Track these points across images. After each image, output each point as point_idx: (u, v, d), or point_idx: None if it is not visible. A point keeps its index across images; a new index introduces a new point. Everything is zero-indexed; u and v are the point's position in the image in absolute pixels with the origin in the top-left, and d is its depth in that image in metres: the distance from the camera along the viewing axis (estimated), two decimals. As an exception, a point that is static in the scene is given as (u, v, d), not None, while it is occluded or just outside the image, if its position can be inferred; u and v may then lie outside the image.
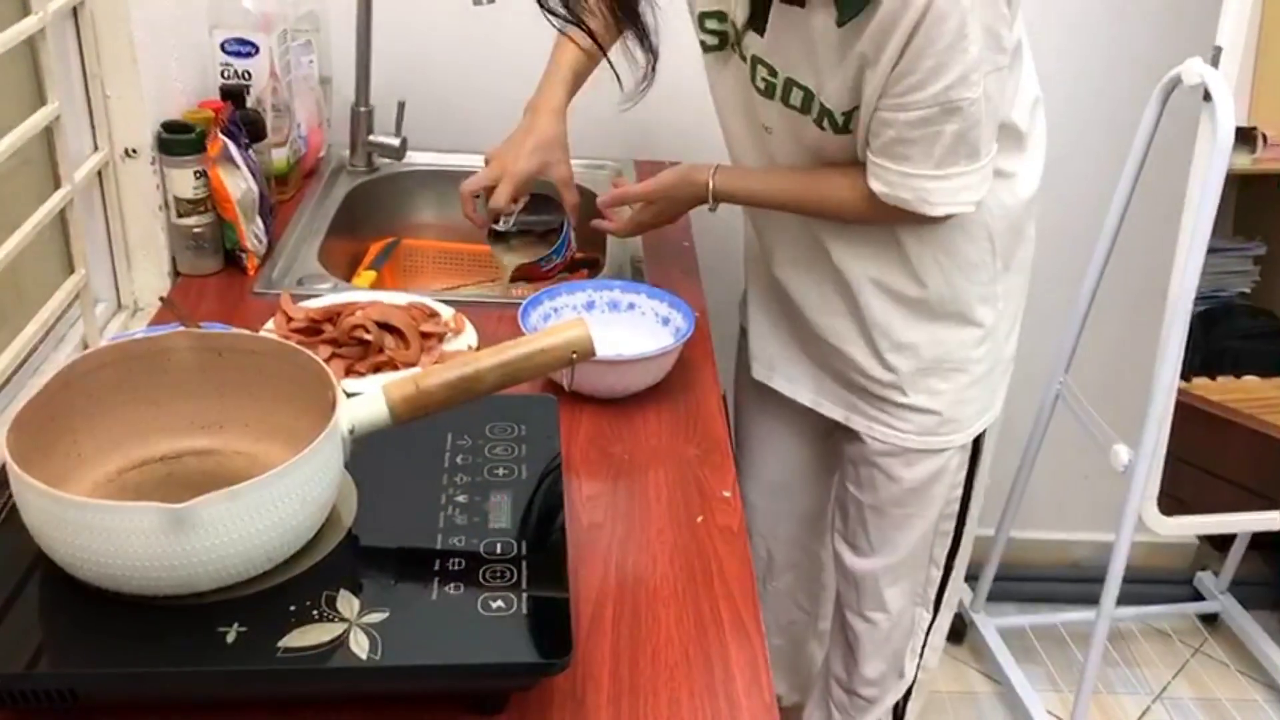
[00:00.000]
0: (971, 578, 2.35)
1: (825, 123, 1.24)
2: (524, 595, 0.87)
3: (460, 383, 0.92)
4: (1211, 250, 2.09)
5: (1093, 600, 1.94)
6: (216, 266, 1.48)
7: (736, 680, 0.92)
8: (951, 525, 1.53)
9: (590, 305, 1.37)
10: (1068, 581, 2.46)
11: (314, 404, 0.94)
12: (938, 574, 1.56)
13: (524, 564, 0.90)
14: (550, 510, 0.97)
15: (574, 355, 0.94)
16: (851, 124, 1.24)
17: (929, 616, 1.60)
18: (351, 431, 0.91)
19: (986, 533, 2.28)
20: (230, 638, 0.81)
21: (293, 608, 0.84)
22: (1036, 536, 2.47)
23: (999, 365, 1.47)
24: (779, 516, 1.72)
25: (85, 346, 1.34)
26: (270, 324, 1.31)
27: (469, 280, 1.82)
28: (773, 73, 1.25)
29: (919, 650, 1.62)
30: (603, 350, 1.01)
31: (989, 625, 2.30)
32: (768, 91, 1.27)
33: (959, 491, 1.50)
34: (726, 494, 1.14)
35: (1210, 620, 2.44)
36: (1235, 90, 1.62)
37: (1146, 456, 1.80)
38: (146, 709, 0.84)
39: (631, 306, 1.37)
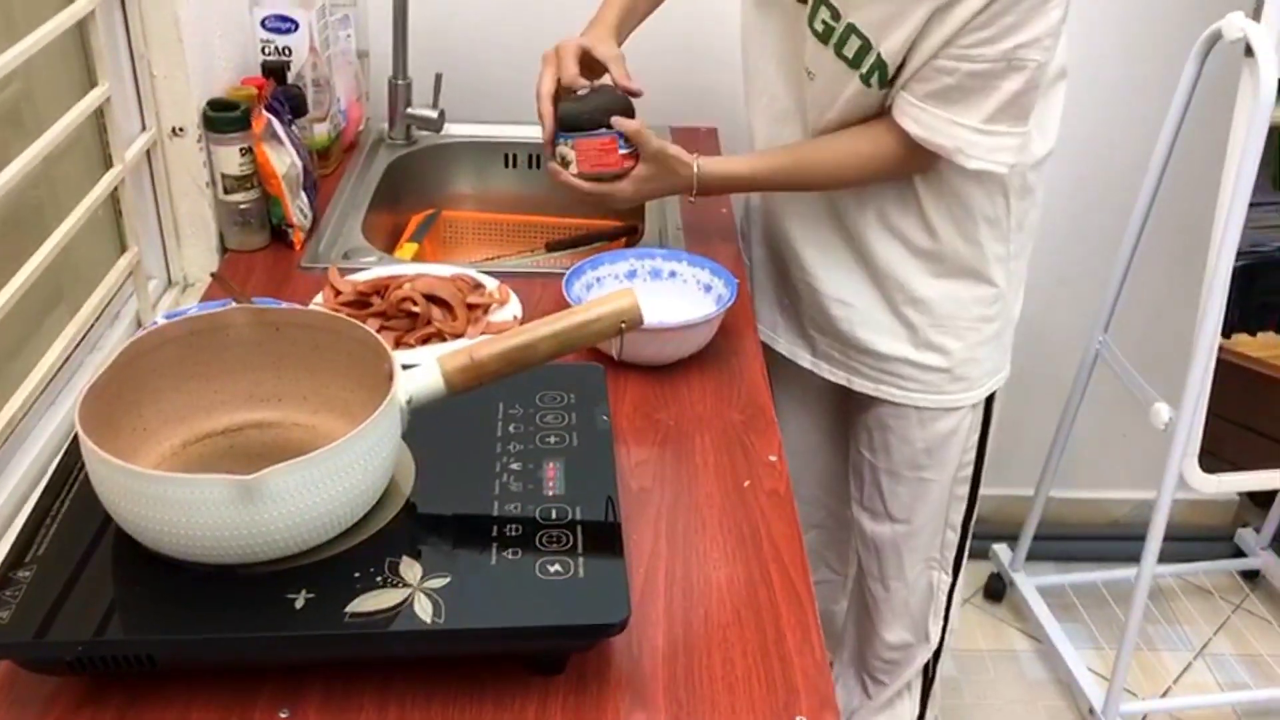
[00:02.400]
0: (1011, 537, 2.36)
1: (873, 79, 1.25)
2: (580, 559, 0.89)
3: (514, 353, 0.94)
4: (1251, 204, 2.08)
5: (1133, 558, 1.95)
6: (263, 242, 1.51)
7: (788, 639, 0.94)
8: (966, 489, 1.55)
9: (632, 274, 1.38)
10: (1107, 540, 2.47)
11: (369, 377, 0.96)
12: (954, 537, 1.58)
13: (579, 529, 0.92)
14: (602, 476, 0.99)
15: (623, 325, 0.96)
16: (891, 79, 1.24)
17: (948, 579, 1.62)
18: (409, 402, 0.93)
19: (1025, 492, 2.30)
20: (299, 604, 0.84)
21: (357, 574, 0.87)
22: (1075, 495, 2.48)
23: (1009, 326, 1.48)
24: (798, 478, 1.71)
25: (139, 323, 1.37)
26: (319, 298, 1.34)
27: (509, 251, 1.84)
28: (835, 16, 1.24)
29: (941, 613, 1.64)
30: (648, 318, 1.03)
31: (1029, 584, 2.31)
32: (824, 35, 1.26)
33: (972, 454, 1.52)
34: (773, 458, 1.16)
35: (1251, 577, 2.44)
36: (1278, 44, 1.60)
37: (1188, 414, 1.80)
38: (216, 673, 0.87)
39: (673, 274, 1.39)
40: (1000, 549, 2.38)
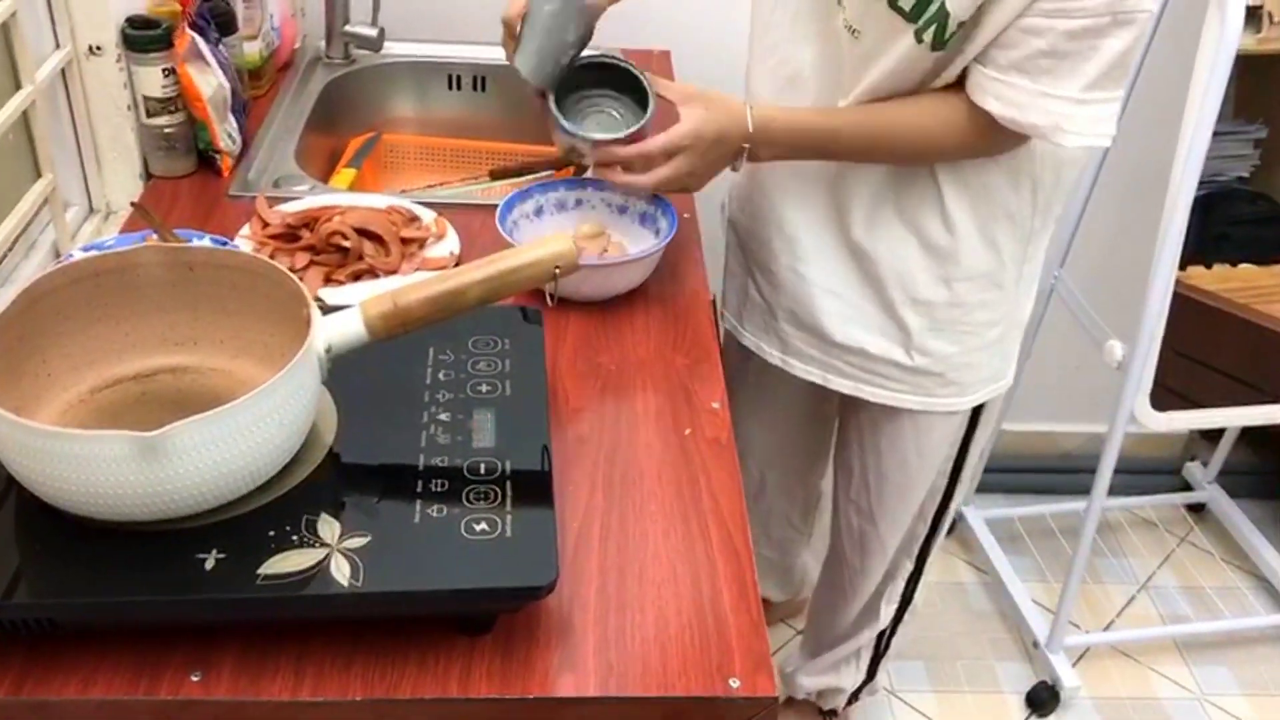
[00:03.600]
0: (959, 469, 2.36)
1: (927, 34, 1.06)
2: (508, 517, 0.85)
3: (441, 299, 0.90)
4: (1214, 134, 2.06)
5: (1083, 491, 1.95)
6: (190, 168, 1.44)
7: (724, 596, 0.92)
8: (944, 483, 1.47)
9: (564, 205, 1.32)
10: (1058, 472, 2.47)
11: (289, 320, 0.91)
12: (924, 529, 1.53)
13: (508, 484, 0.88)
14: (535, 428, 0.95)
15: (558, 270, 0.92)
16: (952, 41, 1.06)
17: (911, 566, 1.58)
18: (328, 350, 0.88)
19: (977, 425, 2.29)
20: (209, 565, 0.80)
21: (272, 533, 0.83)
22: (1028, 428, 2.47)
23: (1013, 329, 1.35)
24: (780, 448, 1.68)
25: (58, 253, 1.31)
26: (246, 229, 1.28)
27: (453, 178, 1.77)
28: None
29: (897, 597, 1.60)
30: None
31: (977, 517, 2.31)
32: None
33: (950, 464, 1.44)
34: (715, 405, 1.12)
35: (1197, 510, 2.46)
36: (1246, -27, 1.56)
37: (1142, 352, 1.78)
38: (124, 635, 0.83)
39: (612, 206, 1.33)
40: (951, 481, 2.38)
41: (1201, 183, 2.23)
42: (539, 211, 1.31)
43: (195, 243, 1.23)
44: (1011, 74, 1.06)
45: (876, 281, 1.27)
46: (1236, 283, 2.07)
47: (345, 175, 1.65)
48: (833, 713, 1.79)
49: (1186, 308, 1.97)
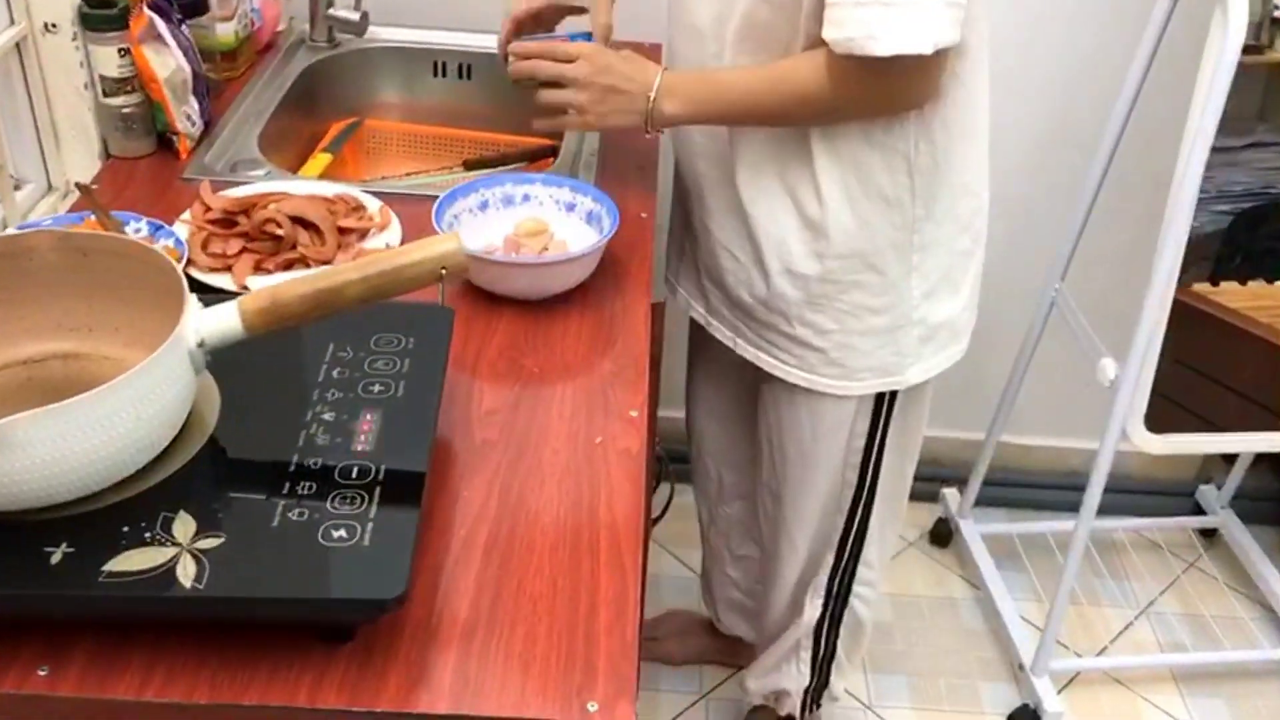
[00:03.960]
0: (960, 481, 2.30)
1: None
2: (369, 525, 0.83)
3: (318, 296, 0.87)
4: (1259, 145, 1.97)
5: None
6: (149, 149, 1.43)
7: (600, 616, 0.89)
8: (855, 477, 1.43)
9: (511, 200, 1.29)
10: (1064, 489, 2.39)
11: (178, 313, 0.89)
12: (840, 521, 1.48)
13: (377, 491, 0.86)
14: (419, 434, 0.92)
15: (444, 271, 0.89)
16: None
17: (832, 559, 1.52)
18: (201, 345, 0.87)
19: (976, 437, 2.23)
20: (55, 559, 0.79)
21: (127, 529, 0.81)
22: (1035, 442, 2.41)
23: (910, 327, 1.31)
24: (731, 441, 1.66)
25: (4, 227, 1.31)
26: (187, 214, 1.26)
27: (433, 165, 1.76)
28: None
29: (821, 591, 1.55)
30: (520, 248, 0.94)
31: (974, 531, 2.25)
32: None
33: (858, 456, 1.41)
34: (634, 413, 1.09)
35: (1209, 535, 2.37)
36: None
37: (1133, 372, 1.72)
38: (-22, 625, 0.83)
39: (560, 203, 1.30)
40: (950, 493, 2.32)
41: (1250, 194, 2.16)
42: (484, 206, 1.28)
43: (129, 227, 1.23)
44: None
45: (758, 246, 1.28)
46: (1269, 301, 1.99)
47: (320, 160, 1.64)
48: (789, 718, 1.75)
49: (1207, 324, 1.90)
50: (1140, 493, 2.40)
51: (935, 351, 1.35)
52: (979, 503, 2.29)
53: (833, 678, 1.67)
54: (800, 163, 1.22)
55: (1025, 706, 1.97)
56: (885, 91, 1.15)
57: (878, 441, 1.40)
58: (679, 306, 1.52)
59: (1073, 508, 2.26)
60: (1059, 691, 2.01)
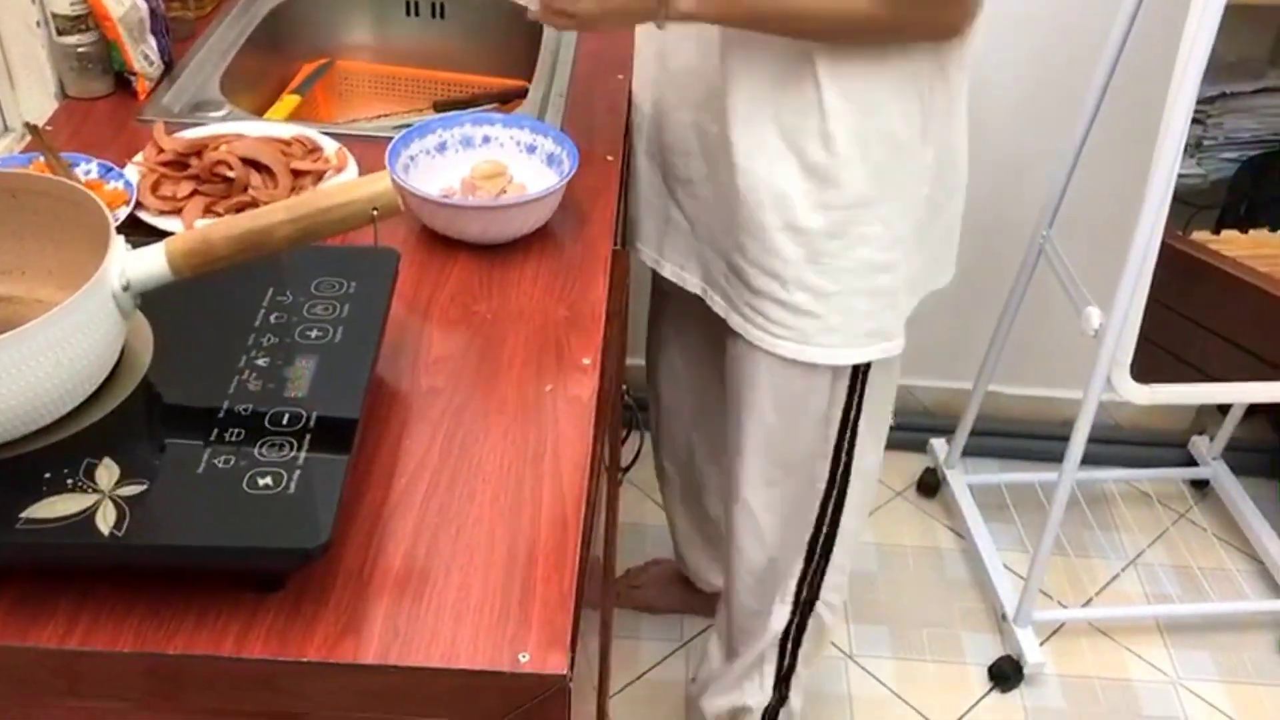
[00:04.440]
0: (947, 431, 2.28)
1: None
2: (296, 473, 0.81)
3: (246, 238, 0.85)
4: (1269, 90, 1.92)
5: (1082, 460, 1.85)
6: (107, 89, 1.40)
7: (538, 566, 0.87)
8: (826, 467, 1.35)
9: (470, 142, 1.26)
10: (1057, 440, 2.36)
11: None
12: (812, 519, 1.39)
13: (307, 439, 0.84)
14: (353, 381, 0.90)
15: (375, 212, 0.86)
16: None
17: (800, 563, 1.43)
18: (126, 287, 0.84)
19: (964, 386, 2.20)
20: (-29, 506, 0.77)
21: (49, 475, 0.80)
22: (1028, 392, 2.38)
23: (909, 287, 1.25)
24: (699, 408, 1.59)
25: (-42, 172, 1.28)
26: (140, 156, 1.24)
27: (405, 107, 1.73)
28: None
29: (789, 596, 1.46)
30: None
31: (961, 482, 2.23)
32: None
33: (834, 429, 1.31)
34: (586, 361, 1.06)
35: (1200, 486, 2.35)
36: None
37: (1118, 321, 1.69)
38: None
39: (521, 145, 1.27)
40: (938, 443, 2.30)
41: (1259, 141, 2.11)
42: (441, 147, 1.25)
43: (79, 168, 1.20)
44: None
45: (754, 201, 1.19)
46: (1270, 249, 1.95)
47: (288, 102, 1.61)
48: None
49: (1206, 273, 1.87)
50: (1131, 443, 2.37)
51: (908, 296, 1.28)
52: (969, 453, 2.27)
53: (791, 693, 1.58)
54: (803, 103, 1.14)
55: (1007, 657, 1.96)
56: (917, 7, 1.07)
57: (853, 420, 1.31)
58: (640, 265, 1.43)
59: (1061, 458, 2.25)
60: (1043, 643, 2.00)
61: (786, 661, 1.52)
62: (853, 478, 1.36)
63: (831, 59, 1.11)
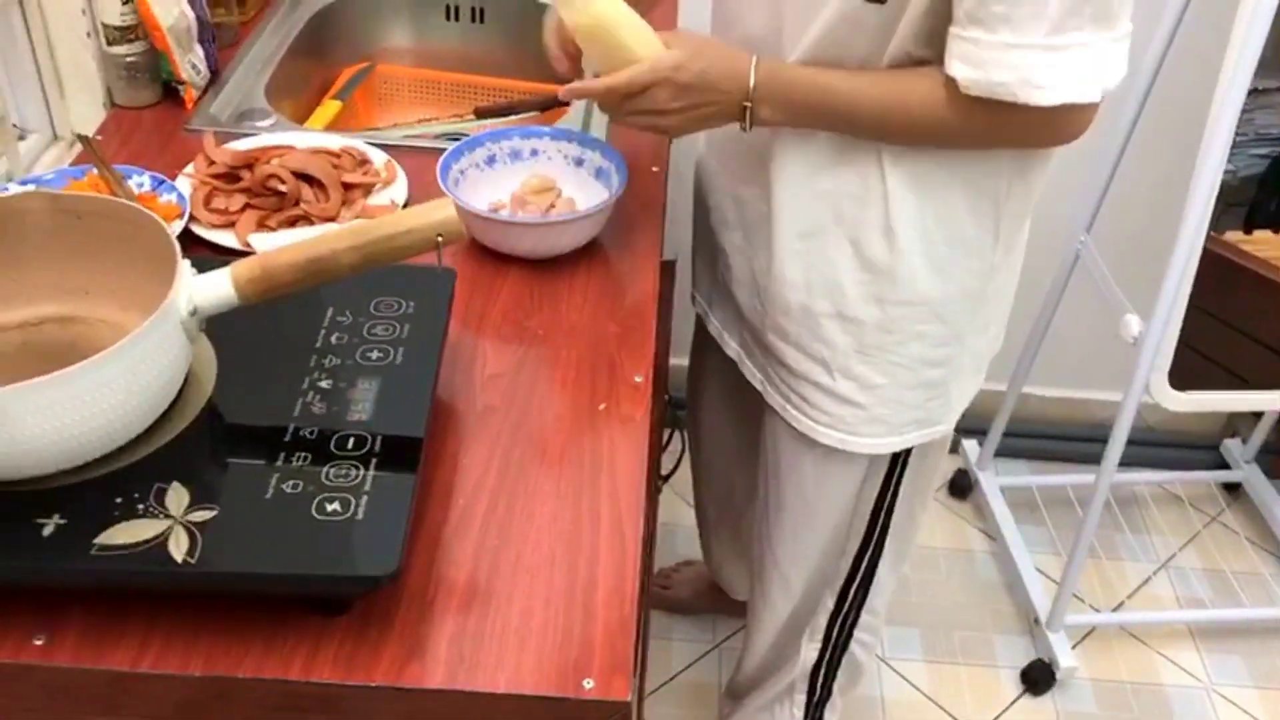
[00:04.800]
0: (980, 432, 2.27)
1: None
2: (364, 498, 0.82)
3: (310, 265, 0.86)
4: None
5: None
6: (154, 98, 1.41)
7: (599, 589, 0.88)
8: (864, 526, 1.30)
9: (519, 155, 1.27)
10: (1087, 441, 2.36)
11: (173, 276, 0.88)
12: (845, 566, 1.34)
13: (372, 463, 0.85)
14: (416, 405, 0.91)
15: (440, 238, 0.87)
16: None
17: (832, 603, 1.39)
18: (194, 313, 0.85)
19: (997, 388, 2.20)
20: (48, 530, 0.78)
21: (120, 500, 0.81)
22: (1059, 394, 2.37)
23: (959, 375, 1.18)
24: (739, 453, 1.54)
25: (9, 179, 1.29)
26: (190, 167, 1.25)
27: (445, 112, 1.73)
28: None
29: (819, 635, 1.42)
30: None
31: (993, 483, 2.23)
32: None
33: (872, 496, 1.27)
34: (638, 379, 1.07)
35: (1232, 489, 2.34)
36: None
37: (1157, 329, 1.68)
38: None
39: (568, 159, 1.27)
40: (970, 444, 2.30)
41: None
42: (491, 160, 1.26)
43: (131, 181, 1.21)
44: (971, 28, 0.92)
45: (804, 287, 1.13)
46: (1304, 252, 1.94)
47: (329, 108, 1.61)
48: None
49: (1239, 276, 1.85)
50: (1164, 445, 2.37)
51: (962, 379, 1.21)
52: (998, 454, 2.27)
53: (827, 714, 1.53)
54: (865, 191, 1.06)
55: (1039, 661, 1.96)
56: (1024, 133, 1.00)
57: (891, 493, 1.27)
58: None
59: (1095, 460, 2.23)
60: (1074, 646, 2.00)
61: (819, 694, 1.50)
62: (890, 538, 1.32)
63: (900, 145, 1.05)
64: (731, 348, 1.31)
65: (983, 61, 0.93)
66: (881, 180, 1.05)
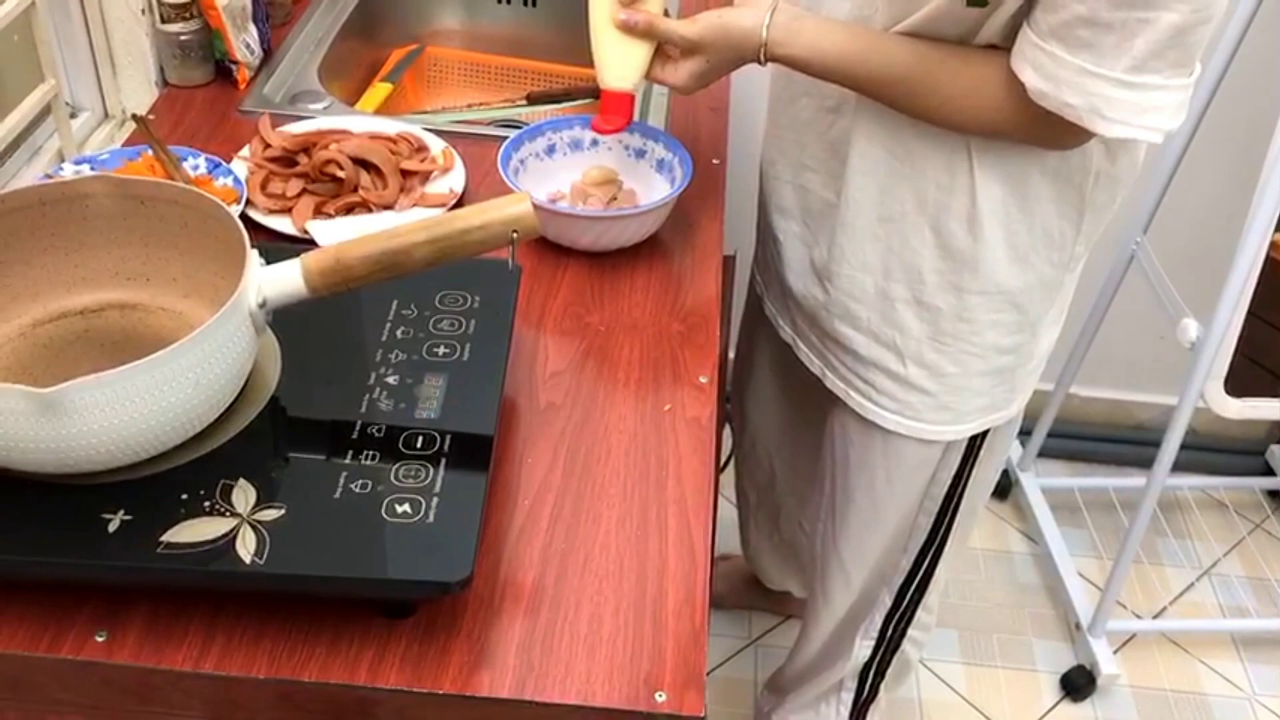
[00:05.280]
0: (1023, 433, 2.24)
1: None
2: (435, 500, 0.80)
3: (384, 258, 0.83)
4: None
5: (1150, 464, 1.81)
6: (207, 77, 1.39)
7: (669, 599, 0.85)
8: (929, 522, 1.29)
9: (579, 145, 1.24)
10: (1129, 444, 2.33)
11: (237, 265, 0.86)
12: (907, 564, 1.34)
13: (442, 463, 0.83)
14: (485, 402, 0.88)
15: (515, 234, 0.84)
16: None
17: (890, 601, 1.38)
18: (262, 305, 0.83)
19: (1045, 387, 2.16)
20: (113, 526, 0.77)
21: (185, 496, 0.79)
22: (1099, 395, 2.34)
23: (1028, 361, 1.19)
24: (784, 438, 1.53)
25: (62, 158, 1.27)
26: (246, 150, 1.23)
27: (495, 97, 1.70)
28: None
29: (874, 632, 1.41)
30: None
31: (1034, 484, 2.20)
32: None
33: (937, 501, 1.27)
34: (704, 379, 1.05)
35: (1278, 496, 2.30)
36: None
37: (1217, 335, 1.64)
38: (31, 586, 0.81)
39: (630, 150, 1.24)
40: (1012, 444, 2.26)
41: None
42: (550, 150, 1.23)
43: (186, 163, 1.19)
44: (1051, 42, 0.90)
45: (881, 271, 1.12)
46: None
47: (380, 90, 1.59)
48: None
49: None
50: (1208, 450, 2.33)
51: (1033, 381, 1.23)
52: (1039, 455, 2.24)
53: (870, 716, 1.53)
54: (951, 180, 1.04)
55: (1080, 667, 1.93)
56: (1064, 140, 0.98)
57: (963, 483, 1.26)
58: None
59: (1136, 462, 2.21)
60: (1115, 651, 1.97)
61: (866, 692, 1.49)
62: (953, 532, 1.31)
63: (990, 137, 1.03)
64: (785, 332, 1.30)
65: (1057, 79, 0.91)
66: (969, 169, 1.03)
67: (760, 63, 1.06)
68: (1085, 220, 1.07)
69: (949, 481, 1.25)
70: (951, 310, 1.11)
